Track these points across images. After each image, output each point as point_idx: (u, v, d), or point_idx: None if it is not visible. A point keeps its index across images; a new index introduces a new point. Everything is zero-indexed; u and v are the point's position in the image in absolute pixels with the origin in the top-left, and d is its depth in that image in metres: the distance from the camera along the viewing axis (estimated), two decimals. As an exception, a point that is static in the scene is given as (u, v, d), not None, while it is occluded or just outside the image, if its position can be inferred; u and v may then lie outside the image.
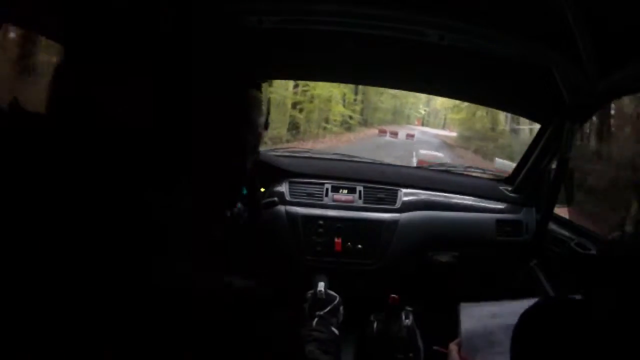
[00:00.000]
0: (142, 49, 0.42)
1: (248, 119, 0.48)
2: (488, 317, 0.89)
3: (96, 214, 0.40)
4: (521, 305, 0.87)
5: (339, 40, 1.39)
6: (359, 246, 1.55)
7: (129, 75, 0.41)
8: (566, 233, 1.52)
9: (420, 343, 1.26)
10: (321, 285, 1.10)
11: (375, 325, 1.34)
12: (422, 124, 26.74)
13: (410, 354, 1.24)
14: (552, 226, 1.58)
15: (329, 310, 1.00)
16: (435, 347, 0.98)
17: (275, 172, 1.69)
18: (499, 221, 1.67)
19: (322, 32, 1.31)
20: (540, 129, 1.68)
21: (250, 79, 0.49)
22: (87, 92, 0.41)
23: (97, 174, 0.40)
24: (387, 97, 20.00)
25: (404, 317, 1.28)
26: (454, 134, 20.02)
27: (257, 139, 0.51)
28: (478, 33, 1.21)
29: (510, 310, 0.87)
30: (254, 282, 0.44)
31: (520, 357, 0.61)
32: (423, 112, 27.31)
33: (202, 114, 0.44)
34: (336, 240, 1.54)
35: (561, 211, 1.65)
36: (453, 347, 0.90)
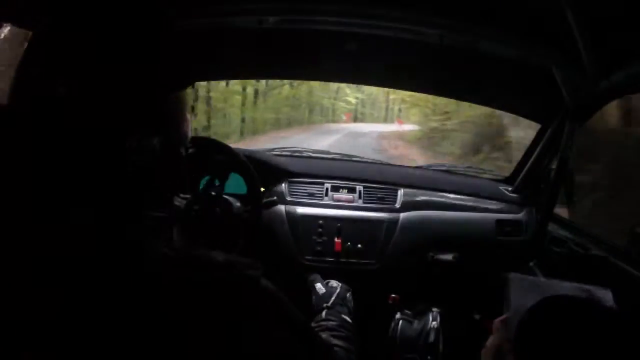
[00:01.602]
0: (110, 47, 0.43)
1: (167, 121, 0.50)
2: (538, 295, 0.81)
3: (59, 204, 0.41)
4: (572, 286, 0.79)
5: (339, 40, 1.39)
6: (359, 246, 1.55)
7: (95, 73, 0.43)
8: (566, 233, 1.52)
9: (440, 345, 1.24)
10: (318, 284, 1.08)
11: (400, 323, 1.31)
12: (355, 119, 17.90)
13: (428, 357, 1.22)
14: (552, 226, 1.58)
15: (335, 299, 0.98)
16: (476, 316, 0.90)
17: (275, 171, 1.69)
18: (499, 221, 1.67)
19: (322, 32, 1.31)
20: (540, 129, 1.68)
21: (176, 81, 0.51)
22: (53, 88, 0.42)
23: (61, 170, 0.42)
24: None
25: (431, 318, 1.26)
26: (410, 128, 13.31)
27: (183, 132, 0.53)
28: (478, 33, 1.21)
29: (560, 290, 0.79)
30: (236, 256, 0.46)
31: (524, 355, 0.61)
32: (354, 100, 17.62)
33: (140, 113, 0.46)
34: (336, 240, 1.54)
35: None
36: (499, 324, 0.80)
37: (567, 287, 0.81)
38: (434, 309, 1.28)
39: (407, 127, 13.94)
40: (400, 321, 1.33)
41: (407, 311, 1.33)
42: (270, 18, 1.23)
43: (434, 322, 1.25)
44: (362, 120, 18.82)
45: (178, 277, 0.41)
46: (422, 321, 1.26)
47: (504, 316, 0.82)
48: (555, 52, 1.20)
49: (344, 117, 17.18)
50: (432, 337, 1.23)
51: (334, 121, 17.10)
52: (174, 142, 0.51)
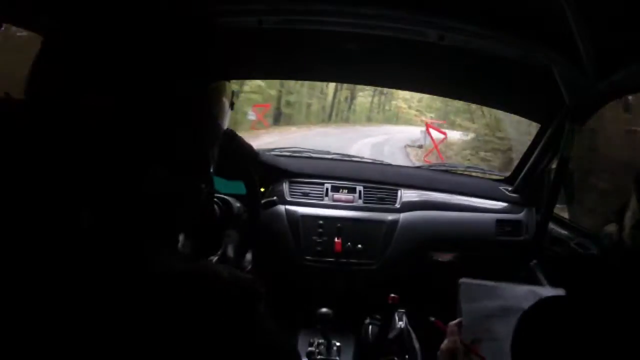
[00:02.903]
0: (122, 51, 0.43)
1: (205, 113, 0.50)
2: (487, 299, 0.88)
3: (67, 207, 0.41)
4: (521, 290, 0.88)
5: (339, 40, 1.39)
6: (359, 246, 1.55)
7: (107, 77, 0.42)
8: (566, 233, 1.52)
9: (415, 344, 1.26)
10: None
11: (370, 328, 1.34)
12: (278, 119, 10.00)
13: (406, 356, 1.24)
14: (552, 226, 1.58)
15: None
16: (432, 319, 0.95)
17: (275, 171, 1.69)
18: (499, 221, 1.67)
19: (322, 32, 1.31)
20: (540, 129, 1.68)
21: (211, 73, 0.50)
22: (65, 92, 0.41)
23: (75, 162, 0.41)
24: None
25: (397, 319, 1.27)
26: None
27: (217, 131, 0.52)
28: (478, 33, 1.21)
29: (511, 294, 0.88)
30: (240, 272, 0.45)
31: (521, 357, 0.61)
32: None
33: (162, 110, 0.45)
34: (336, 240, 1.54)
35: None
36: (454, 327, 0.85)
37: (518, 291, 0.88)
38: (399, 310, 1.29)
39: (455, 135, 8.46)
40: (370, 326, 1.34)
41: (376, 315, 1.35)
42: (270, 18, 1.23)
43: (400, 322, 1.26)
44: (290, 122, 10.89)
45: (180, 291, 0.41)
46: (390, 323, 1.27)
47: (458, 320, 0.86)
48: (555, 52, 1.20)
49: (253, 116, 9.02)
50: (403, 337, 1.25)
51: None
52: (189, 177, 0.48)
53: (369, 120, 14.72)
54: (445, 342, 0.84)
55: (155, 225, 0.46)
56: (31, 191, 0.40)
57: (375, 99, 14.68)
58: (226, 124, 0.54)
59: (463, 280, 0.91)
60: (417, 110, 13.65)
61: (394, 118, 15.43)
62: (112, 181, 0.42)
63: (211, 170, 0.53)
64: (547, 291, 0.90)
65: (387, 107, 14.94)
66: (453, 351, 0.81)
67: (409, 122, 14.08)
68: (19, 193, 0.40)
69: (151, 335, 0.38)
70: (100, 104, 0.41)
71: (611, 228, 0.64)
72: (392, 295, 1.29)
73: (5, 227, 0.39)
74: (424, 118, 12.02)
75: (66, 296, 0.38)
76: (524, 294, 0.87)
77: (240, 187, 1.50)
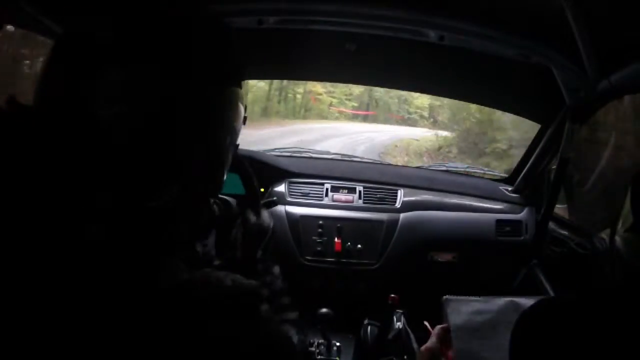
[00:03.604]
0: (133, 49, 0.42)
1: (222, 117, 0.49)
2: (473, 314, 0.90)
3: (81, 211, 0.40)
4: (505, 302, 0.91)
5: (339, 40, 1.39)
6: (359, 246, 1.55)
7: (119, 76, 0.41)
8: (566, 233, 1.52)
9: (414, 345, 1.26)
10: None
11: (369, 329, 1.34)
12: None
13: (405, 357, 1.24)
14: (552, 226, 1.58)
15: None
16: (425, 323, 0.97)
17: (275, 172, 1.69)
18: (499, 221, 1.67)
19: (322, 32, 1.31)
20: (540, 129, 1.68)
21: (228, 77, 0.49)
22: (76, 91, 0.41)
23: (86, 173, 0.41)
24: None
25: (395, 319, 1.28)
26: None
27: (234, 136, 0.52)
28: (478, 33, 1.21)
29: (496, 308, 0.90)
30: (242, 278, 0.45)
31: (519, 357, 0.61)
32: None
33: (179, 115, 0.44)
34: (336, 240, 1.54)
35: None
36: (439, 331, 0.88)
37: (498, 303, 0.91)
38: (398, 311, 1.29)
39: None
40: (369, 327, 1.34)
41: (374, 316, 1.35)
42: (271, 18, 1.23)
43: (398, 323, 1.27)
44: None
45: (184, 300, 0.40)
46: (389, 324, 1.27)
47: (446, 325, 0.89)
48: (555, 52, 1.20)
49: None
50: (402, 338, 1.25)
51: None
52: (198, 191, 0.48)
53: (266, 114, 9.77)
54: (429, 341, 0.87)
55: (162, 238, 0.45)
56: (35, 201, 0.39)
57: (276, 83, 9.47)
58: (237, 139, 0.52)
59: (448, 297, 0.94)
60: (333, 98, 9.91)
61: (302, 110, 10.50)
62: (121, 194, 0.42)
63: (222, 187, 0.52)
64: (527, 301, 0.91)
65: (290, 94, 10.55)
66: (431, 351, 0.84)
67: (322, 114, 10.02)
68: (23, 202, 0.39)
69: (157, 343, 0.38)
70: (113, 113, 0.41)
71: (606, 231, 0.64)
72: (392, 295, 1.30)
73: (8, 236, 0.38)
74: (343, 108, 9.26)
75: (71, 307, 0.37)
76: (504, 306, 0.90)
77: (240, 187, 1.50)
